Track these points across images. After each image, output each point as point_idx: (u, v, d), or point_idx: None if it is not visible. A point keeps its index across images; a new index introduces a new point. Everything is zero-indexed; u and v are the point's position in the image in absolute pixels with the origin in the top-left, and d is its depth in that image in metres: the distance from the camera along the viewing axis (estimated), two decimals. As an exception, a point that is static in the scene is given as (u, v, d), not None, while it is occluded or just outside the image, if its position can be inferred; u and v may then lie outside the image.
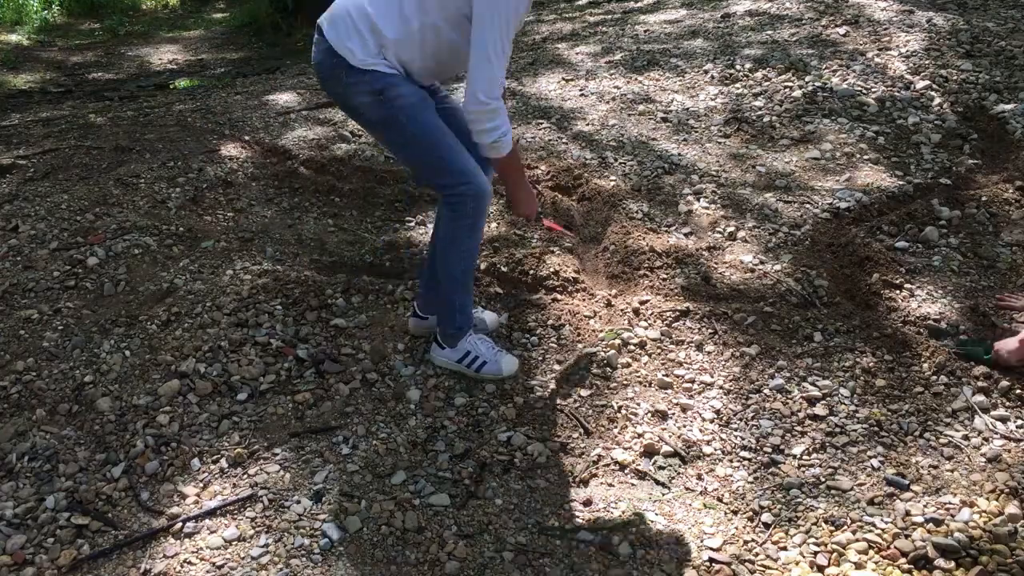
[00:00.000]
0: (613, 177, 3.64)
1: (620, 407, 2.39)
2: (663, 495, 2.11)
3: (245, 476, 2.11)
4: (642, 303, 2.80)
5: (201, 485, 2.09)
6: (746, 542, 1.96)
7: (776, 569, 1.88)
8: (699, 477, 2.16)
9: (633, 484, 2.15)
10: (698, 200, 3.42)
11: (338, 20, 2.19)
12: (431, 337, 2.55)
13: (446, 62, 2.25)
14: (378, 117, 2.23)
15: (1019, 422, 2.28)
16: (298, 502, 2.03)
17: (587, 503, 2.08)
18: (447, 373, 2.50)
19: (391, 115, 2.20)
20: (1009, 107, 3.92)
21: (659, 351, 2.59)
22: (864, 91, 4.19)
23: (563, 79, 4.87)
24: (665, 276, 2.93)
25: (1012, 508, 1.98)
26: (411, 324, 2.65)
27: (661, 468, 2.20)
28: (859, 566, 1.87)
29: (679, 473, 2.18)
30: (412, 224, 3.36)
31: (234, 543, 1.92)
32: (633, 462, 2.21)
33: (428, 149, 2.23)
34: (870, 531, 1.96)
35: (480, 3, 2.07)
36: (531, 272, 2.95)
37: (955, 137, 3.82)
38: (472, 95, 2.09)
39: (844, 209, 3.29)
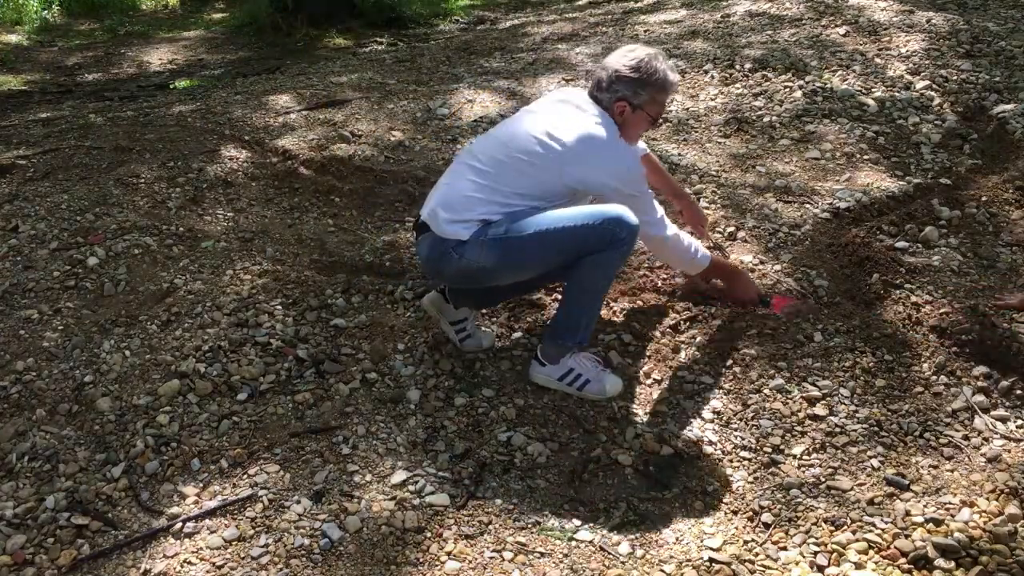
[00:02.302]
0: (613, 177, 3.63)
1: (620, 407, 2.39)
2: (663, 495, 2.11)
3: (245, 476, 2.11)
4: (642, 303, 2.80)
5: (201, 485, 2.09)
6: (746, 542, 1.96)
7: (776, 569, 1.88)
8: (699, 477, 2.16)
9: (633, 484, 2.15)
10: (698, 200, 3.42)
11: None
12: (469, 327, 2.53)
13: None
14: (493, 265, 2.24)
15: (1019, 422, 2.28)
16: (298, 502, 2.03)
17: (587, 503, 2.08)
18: (447, 373, 2.50)
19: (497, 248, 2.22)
20: (1009, 107, 3.92)
21: (659, 351, 2.59)
22: (864, 91, 4.20)
23: (563, 79, 4.87)
24: (665, 276, 2.93)
25: (1012, 508, 1.98)
26: (431, 300, 2.55)
27: (661, 468, 2.20)
28: (859, 566, 1.87)
29: (679, 473, 2.18)
30: (412, 224, 3.36)
31: (234, 543, 1.92)
32: (633, 462, 2.21)
33: (554, 234, 2.20)
34: (870, 531, 1.96)
35: (615, 195, 2.29)
36: (531, 272, 2.95)
37: (955, 137, 3.82)
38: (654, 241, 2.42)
39: (844, 209, 3.29)
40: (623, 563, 1.90)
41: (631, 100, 2.33)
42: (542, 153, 2.26)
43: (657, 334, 2.65)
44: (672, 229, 2.46)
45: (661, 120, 2.53)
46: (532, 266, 2.30)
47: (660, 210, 2.42)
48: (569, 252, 2.23)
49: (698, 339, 2.62)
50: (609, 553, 1.93)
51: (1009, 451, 2.18)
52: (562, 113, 2.34)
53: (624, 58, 2.34)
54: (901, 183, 3.46)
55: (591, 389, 2.40)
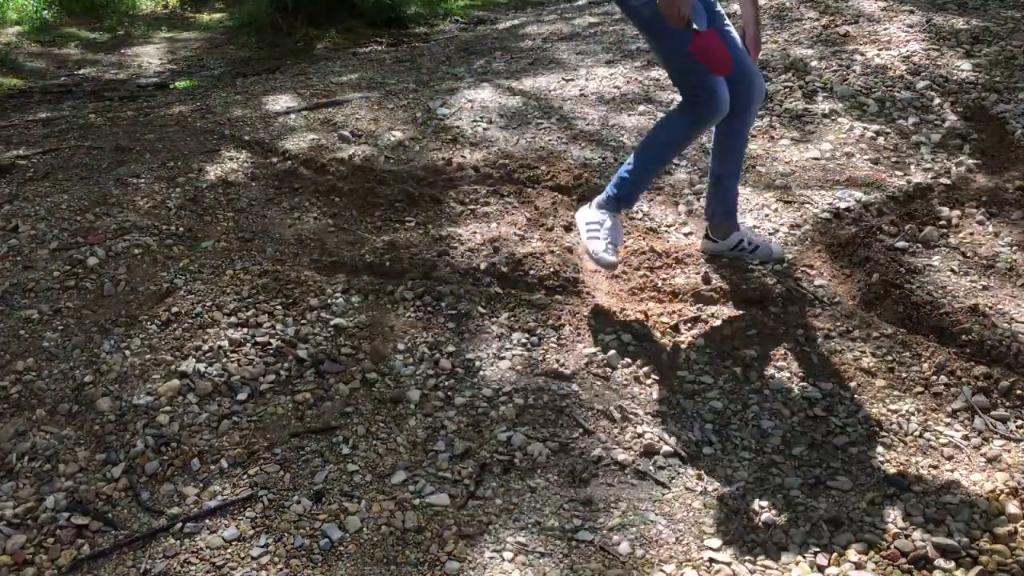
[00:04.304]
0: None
1: (620, 407, 2.39)
2: (663, 495, 2.11)
3: (245, 476, 2.11)
4: (642, 303, 2.80)
5: (201, 485, 2.09)
6: (746, 542, 1.96)
7: (776, 569, 1.88)
8: (699, 477, 2.16)
9: (633, 484, 2.15)
10: (698, 200, 3.42)
11: None
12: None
13: None
14: (647, 17, 2.49)
15: (1019, 422, 2.28)
16: (298, 502, 2.03)
17: (587, 503, 2.08)
18: (447, 373, 2.49)
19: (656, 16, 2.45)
20: (1009, 107, 3.92)
21: (659, 351, 2.59)
22: (864, 91, 4.20)
23: (563, 79, 4.87)
24: (665, 276, 2.93)
25: (1012, 508, 1.98)
26: (704, 247, 2.98)
27: (661, 468, 2.20)
28: (859, 566, 1.87)
29: (679, 473, 2.18)
30: (412, 224, 3.36)
31: (234, 543, 1.92)
32: (633, 462, 2.21)
33: (679, 56, 2.46)
34: (870, 531, 1.96)
35: None
36: (531, 272, 2.95)
37: (955, 137, 3.82)
38: None
39: (844, 209, 3.29)
40: (623, 563, 1.90)
41: None
42: None
43: (657, 334, 2.65)
44: None
45: None
46: (662, 49, 2.58)
47: None
48: (677, 71, 2.56)
49: (698, 339, 2.62)
50: (609, 553, 1.93)
51: (1009, 451, 2.18)
52: None
53: None
54: (901, 183, 3.46)
55: (593, 248, 2.68)
